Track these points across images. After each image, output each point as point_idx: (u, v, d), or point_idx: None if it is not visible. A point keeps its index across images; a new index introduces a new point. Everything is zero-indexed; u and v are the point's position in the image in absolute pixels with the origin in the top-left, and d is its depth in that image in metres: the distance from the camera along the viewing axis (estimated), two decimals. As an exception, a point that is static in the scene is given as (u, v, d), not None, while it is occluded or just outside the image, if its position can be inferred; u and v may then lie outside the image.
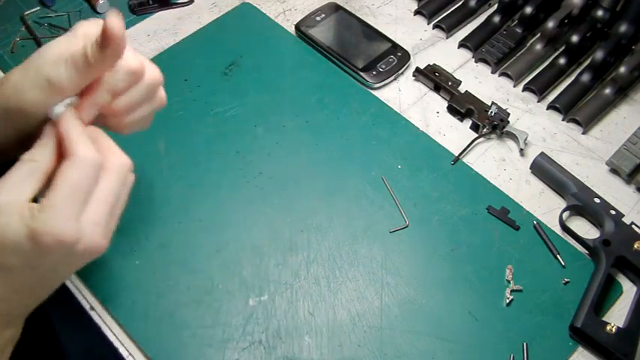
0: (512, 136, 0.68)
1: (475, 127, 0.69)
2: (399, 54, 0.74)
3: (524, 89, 0.73)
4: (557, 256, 0.59)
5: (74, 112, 0.43)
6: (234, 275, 0.57)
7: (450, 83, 0.71)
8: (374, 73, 0.72)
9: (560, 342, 0.55)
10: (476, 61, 0.75)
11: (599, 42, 0.75)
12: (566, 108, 0.70)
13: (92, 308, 0.55)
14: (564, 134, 0.69)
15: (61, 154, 0.42)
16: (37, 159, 0.41)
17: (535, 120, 0.70)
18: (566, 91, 0.71)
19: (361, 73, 0.72)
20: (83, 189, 0.40)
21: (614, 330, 0.53)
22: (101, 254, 0.42)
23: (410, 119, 0.69)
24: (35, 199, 0.40)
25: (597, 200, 0.61)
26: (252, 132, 0.67)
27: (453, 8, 0.80)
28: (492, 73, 0.74)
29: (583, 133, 0.69)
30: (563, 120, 0.70)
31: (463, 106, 0.69)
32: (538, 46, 0.75)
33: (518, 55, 0.76)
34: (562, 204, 0.63)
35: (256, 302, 0.56)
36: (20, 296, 0.43)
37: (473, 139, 0.67)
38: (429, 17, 0.79)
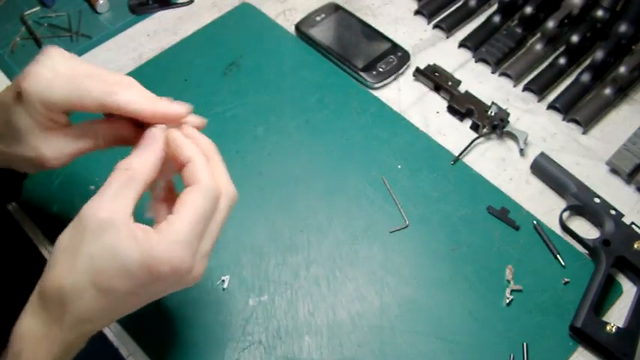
0: (512, 136, 0.68)
1: (475, 127, 0.69)
2: (399, 54, 0.74)
3: (524, 89, 0.73)
4: (557, 256, 0.59)
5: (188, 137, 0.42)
6: (235, 275, 0.57)
7: (450, 83, 0.70)
8: (374, 73, 0.72)
9: (560, 342, 0.55)
10: (476, 61, 0.75)
11: (599, 42, 0.75)
12: (566, 108, 0.70)
13: (92, 308, 0.55)
14: (564, 134, 0.69)
15: (164, 167, 0.40)
16: (134, 167, 0.39)
17: (535, 120, 0.70)
18: (566, 91, 0.71)
19: (361, 73, 0.72)
20: (205, 220, 0.39)
21: (614, 330, 0.53)
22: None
23: (410, 119, 0.69)
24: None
25: (597, 200, 0.61)
26: (252, 132, 0.67)
27: (453, 8, 0.80)
28: (492, 73, 0.74)
29: (583, 133, 0.69)
30: (563, 120, 0.70)
31: (463, 106, 0.69)
32: (538, 46, 0.75)
33: (518, 55, 0.76)
34: (562, 204, 0.63)
35: (256, 302, 0.56)
36: (111, 317, 0.40)
37: (473, 139, 0.67)
38: (429, 17, 0.79)
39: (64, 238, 0.38)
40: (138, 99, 0.41)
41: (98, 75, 0.42)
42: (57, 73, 0.41)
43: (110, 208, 0.36)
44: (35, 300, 0.39)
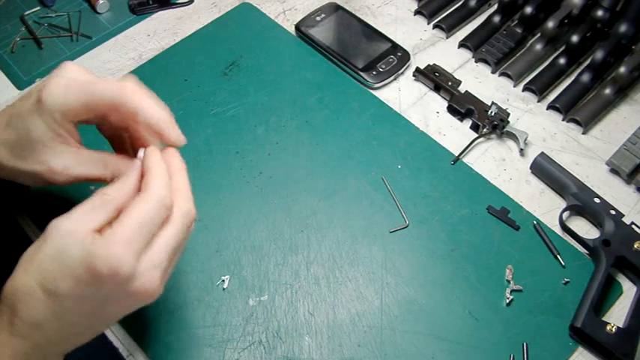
0: (512, 136, 0.68)
1: (475, 127, 0.69)
2: (399, 54, 0.74)
3: (524, 89, 0.73)
4: (557, 256, 0.59)
5: (159, 152, 0.44)
6: (235, 275, 0.57)
7: (450, 83, 0.71)
8: (374, 73, 0.72)
9: (560, 342, 0.55)
10: (476, 61, 0.75)
11: (599, 42, 0.75)
12: (566, 108, 0.70)
13: (92, 308, 0.55)
14: (564, 134, 0.69)
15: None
16: (110, 193, 0.40)
17: (535, 120, 0.70)
18: (566, 91, 0.71)
19: (361, 73, 0.72)
20: (150, 226, 0.39)
21: (614, 330, 0.53)
22: (153, 300, 0.41)
23: (410, 119, 0.69)
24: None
25: (597, 200, 0.61)
26: (252, 132, 0.67)
27: (453, 8, 0.80)
28: (492, 73, 0.74)
29: (583, 133, 0.69)
30: (563, 120, 0.70)
31: (463, 106, 0.69)
32: (538, 46, 0.75)
33: (518, 55, 0.76)
34: (562, 204, 0.63)
35: (256, 302, 0.56)
36: (61, 326, 0.40)
37: (473, 139, 0.67)
38: (429, 17, 0.79)
39: (30, 247, 0.40)
40: (148, 102, 0.44)
41: (110, 82, 0.44)
42: (73, 80, 0.44)
43: (74, 222, 0.39)
44: None
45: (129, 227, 0.38)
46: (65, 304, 0.39)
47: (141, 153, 0.44)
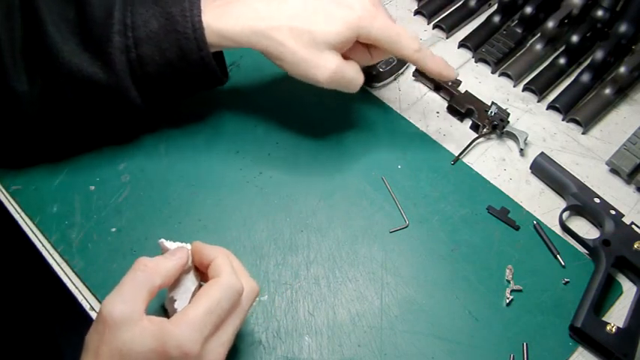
0: (512, 136, 0.68)
1: (475, 127, 0.69)
2: (399, 54, 0.74)
3: (524, 89, 0.73)
4: (557, 256, 0.59)
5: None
6: (234, 275, 0.57)
7: (450, 83, 0.70)
8: (374, 73, 0.72)
9: (560, 342, 0.55)
10: (476, 61, 0.75)
11: (599, 42, 0.75)
12: (566, 108, 0.70)
13: (92, 308, 0.55)
14: (564, 134, 0.69)
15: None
16: (151, 267, 0.43)
17: (535, 120, 0.70)
18: (566, 91, 0.71)
19: (361, 73, 0.72)
20: (222, 310, 0.42)
21: (614, 330, 0.53)
22: None
23: (410, 119, 0.69)
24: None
25: (597, 200, 0.61)
26: (252, 132, 0.67)
27: (453, 8, 0.80)
28: (492, 73, 0.74)
29: (583, 133, 0.69)
30: (563, 120, 0.70)
31: (463, 106, 0.69)
32: (538, 46, 0.75)
33: (518, 55, 0.76)
34: (562, 204, 0.63)
35: (256, 302, 0.56)
36: None
37: (473, 139, 0.67)
38: (429, 17, 0.79)
39: (91, 339, 0.41)
40: (432, 60, 0.59)
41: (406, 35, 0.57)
42: (386, 21, 0.57)
43: (123, 307, 0.40)
44: None
45: (200, 312, 0.41)
46: None
47: (188, 245, 0.48)
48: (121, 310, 0.39)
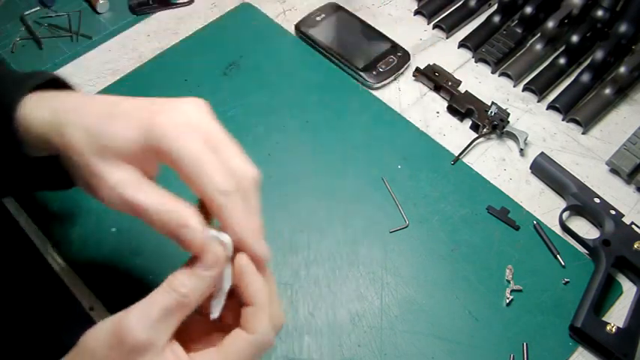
0: (512, 136, 0.68)
1: (475, 127, 0.69)
2: (399, 54, 0.74)
3: (524, 89, 0.73)
4: (557, 256, 0.59)
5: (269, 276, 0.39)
6: (234, 275, 0.57)
7: (450, 83, 0.71)
8: (374, 73, 0.72)
9: (560, 342, 0.55)
10: (476, 61, 0.75)
11: (599, 42, 0.75)
12: (566, 108, 0.70)
13: (92, 308, 0.55)
14: (564, 134, 0.69)
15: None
16: (189, 295, 0.35)
17: (535, 120, 0.70)
18: (566, 91, 0.71)
19: (361, 73, 0.72)
20: None
21: (614, 330, 0.53)
22: None
23: (410, 119, 0.69)
24: None
25: (597, 200, 0.61)
26: (252, 132, 0.67)
27: (453, 8, 0.80)
28: (492, 73, 0.74)
29: (583, 133, 0.69)
30: (563, 120, 0.70)
31: (463, 106, 0.69)
32: (538, 46, 0.75)
33: (518, 55, 0.76)
34: (562, 204, 0.63)
35: (256, 302, 0.56)
36: None
37: (473, 139, 0.67)
38: (429, 17, 0.79)
39: (100, 349, 0.35)
40: (242, 214, 0.38)
41: (228, 159, 0.39)
42: (192, 135, 0.38)
43: (151, 332, 0.34)
44: None
45: None
46: None
47: (243, 262, 0.38)
48: (148, 335, 0.34)
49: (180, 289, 0.35)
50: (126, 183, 0.38)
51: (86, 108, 0.40)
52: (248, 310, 0.38)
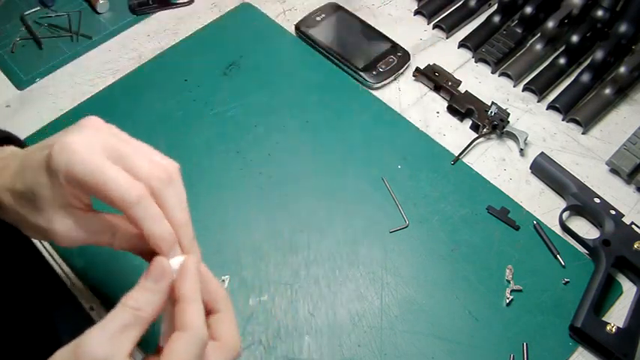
0: (512, 136, 0.68)
1: (475, 127, 0.69)
2: (399, 54, 0.74)
3: (524, 89, 0.73)
4: (557, 256, 0.59)
5: (197, 270, 0.39)
6: (235, 275, 0.57)
7: (450, 83, 0.71)
8: (374, 73, 0.72)
9: (560, 342, 0.55)
10: (476, 61, 0.75)
11: (599, 42, 0.75)
12: (566, 108, 0.70)
13: (92, 308, 0.55)
14: (564, 134, 0.69)
15: (169, 302, 0.38)
16: (142, 308, 0.37)
17: (535, 120, 0.70)
18: (566, 91, 0.71)
19: (361, 73, 0.72)
20: None
21: (614, 330, 0.53)
22: None
23: (410, 119, 0.69)
24: None
25: (597, 200, 0.61)
26: (252, 132, 0.67)
27: (453, 8, 0.80)
28: (492, 73, 0.74)
29: (583, 133, 0.69)
30: (563, 120, 0.70)
31: (463, 106, 0.69)
32: (538, 46, 0.75)
33: (518, 55, 0.76)
34: (562, 204, 0.63)
35: (256, 302, 0.56)
36: None
37: (473, 139, 0.67)
38: (429, 17, 0.79)
39: None
40: (151, 221, 0.38)
41: (133, 162, 0.38)
42: (88, 151, 0.38)
43: (108, 348, 0.35)
44: None
45: None
46: None
47: (175, 264, 0.38)
48: (104, 350, 0.35)
49: (133, 304, 0.36)
50: (69, 229, 0.40)
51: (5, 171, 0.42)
52: (178, 306, 0.38)
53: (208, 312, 0.40)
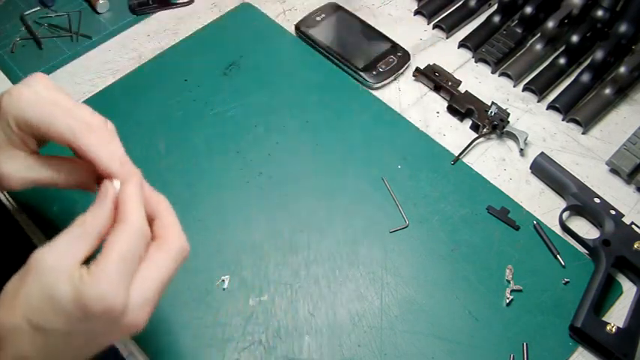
0: (512, 136, 0.68)
1: (475, 127, 0.69)
2: (399, 54, 0.74)
3: (524, 89, 0.73)
4: (557, 256, 0.59)
5: (139, 182, 0.42)
6: (235, 275, 0.57)
7: (450, 83, 0.71)
8: (374, 73, 0.72)
9: (560, 342, 0.55)
10: (476, 61, 0.75)
11: (599, 42, 0.75)
12: (566, 108, 0.70)
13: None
14: (564, 134, 0.69)
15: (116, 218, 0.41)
16: (87, 221, 0.40)
17: (535, 120, 0.70)
18: (566, 91, 0.71)
19: (361, 73, 0.72)
20: (133, 258, 0.39)
21: (614, 330, 0.53)
22: (139, 331, 0.40)
23: (410, 119, 0.69)
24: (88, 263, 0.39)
25: (597, 200, 0.61)
26: (252, 132, 0.67)
27: (453, 8, 0.80)
28: (492, 73, 0.74)
29: (583, 133, 0.69)
30: (563, 120, 0.70)
31: (463, 106, 0.69)
32: (538, 46, 0.75)
33: (518, 55, 0.76)
34: (562, 204, 0.63)
35: (256, 302, 0.56)
36: (47, 359, 0.39)
37: (473, 139, 0.67)
38: (429, 17, 0.79)
39: (11, 281, 0.39)
40: (97, 147, 0.42)
41: (74, 112, 0.43)
42: (37, 96, 0.42)
43: (57, 256, 0.38)
44: None
45: (115, 262, 0.38)
46: (54, 339, 0.38)
47: (117, 185, 0.42)
48: (53, 259, 0.37)
49: (81, 220, 0.40)
50: (17, 170, 0.44)
51: None
52: (117, 209, 0.41)
53: (151, 220, 0.43)
